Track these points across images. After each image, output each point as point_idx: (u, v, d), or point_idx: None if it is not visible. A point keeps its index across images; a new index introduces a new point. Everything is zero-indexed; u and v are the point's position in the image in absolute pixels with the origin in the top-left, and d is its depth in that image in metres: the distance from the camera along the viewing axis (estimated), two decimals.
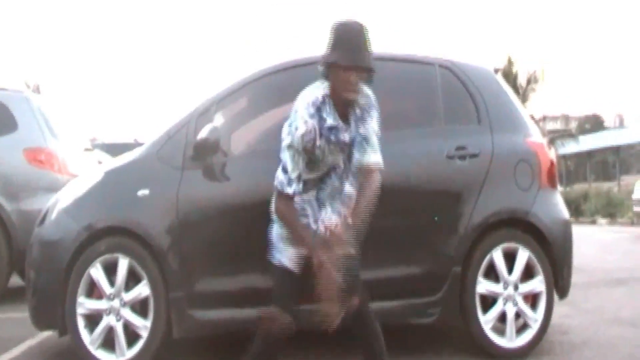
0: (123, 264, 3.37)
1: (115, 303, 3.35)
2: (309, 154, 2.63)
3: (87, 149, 6.75)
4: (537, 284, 3.47)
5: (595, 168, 42.40)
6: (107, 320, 3.34)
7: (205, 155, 3.38)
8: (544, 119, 33.73)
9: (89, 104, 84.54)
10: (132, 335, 3.35)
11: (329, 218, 2.69)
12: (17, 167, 5.65)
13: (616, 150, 35.77)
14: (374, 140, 2.69)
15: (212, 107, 3.57)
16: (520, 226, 3.52)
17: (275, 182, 2.68)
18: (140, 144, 11.24)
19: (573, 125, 58.03)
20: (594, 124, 62.40)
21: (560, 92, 56.88)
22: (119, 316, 3.34)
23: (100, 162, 6.43)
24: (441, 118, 3.66)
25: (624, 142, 34.92)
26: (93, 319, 3.37)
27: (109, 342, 3.36)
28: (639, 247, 10.06)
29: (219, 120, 3.52)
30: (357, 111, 2.68)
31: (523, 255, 3.47)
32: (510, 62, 25.06)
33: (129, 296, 3.36)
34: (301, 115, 2.61)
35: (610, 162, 47.28)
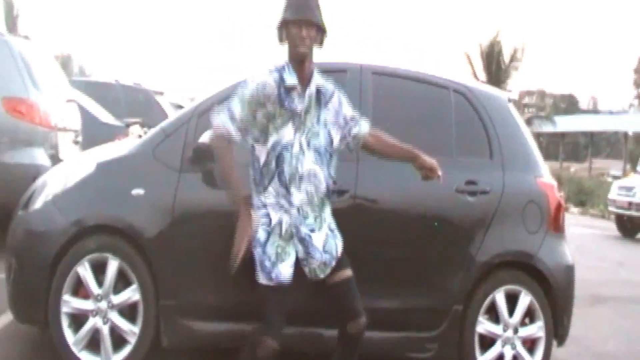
0: (113, 265, 3.19)
1: (103, 305, 3.19)
2: (259, 111, 2.68)
3: (69, 100, 6.38)
4: (537, 329, 3.43)
5: (566, 148, 43.07)
6: (93, 322, 3.18)
7: (205, 160, 3.15)
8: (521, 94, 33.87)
9: (82, 37, 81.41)
10: (118, 340, 3.21)
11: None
12: None
13: (589, 135, 36.34)
14: (356, 113, 2.92)
15: (214, 106, 3.32)
16: (524, 270, 3.45)
17: (217, 120, 2.72)
18: (122, 85, 10.84)
19: (548, 101, 58.50)
20: (569, 103, 63.04)
21: (538, 68, 57.03)
22: (106, 319, 3.19)
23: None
24: (453, 148, 3.49)
25: (598, 129, 35.43)
26: (78, 319, 3.21)
27: (93, 344, 3.21)
28: (614, 250, 10.24)
29: None
30: (313, 88, 2.75)
31: (525, 300, 3.41)
32: (496, 39, 24.81)
33: (117, 299, 3.20)
34: (261, 72, 2.72)
35: (581, 144, 48.20)
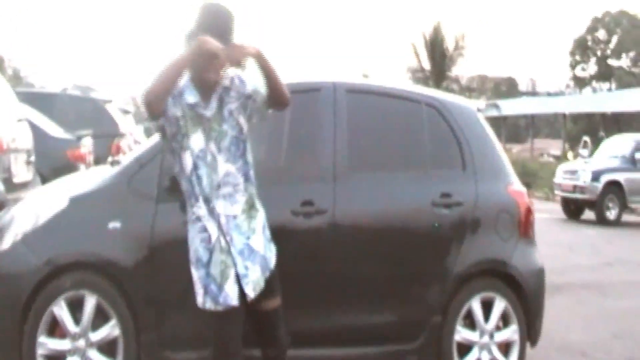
0: (90, 302, 3.12)
1: (81, 343, 3.11)
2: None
3: (19, 120, 6.14)
4: (512, 333, 3.56)
5: (507, 130, 44.34)
6: None
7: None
8: (462, 77, 34.60)
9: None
10: None
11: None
12: None
13: (531, 118, 37.52)
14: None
15: None
16: (498, 276, 3.56)
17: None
18: (69, 95, 10.42)
19: (489, 85, 60.01)
20: (509, 86, 64.87)
21: (478, 53, 58.44)
22: (84, 357, 3.11)
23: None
24: (426, 161, 3.58)
25: (538, 112, 36.60)
26: None
27: None
28: (562, 234, 10.64)
29: None
30: (220, 91, 2.64)
31: (500, 305, 3.53)
32: (437, 29, 25.31)
33: (96, 336, 3.13)
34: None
35: (522, 125, 49.70)
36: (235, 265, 2.60)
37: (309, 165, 3.42)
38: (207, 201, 2.63)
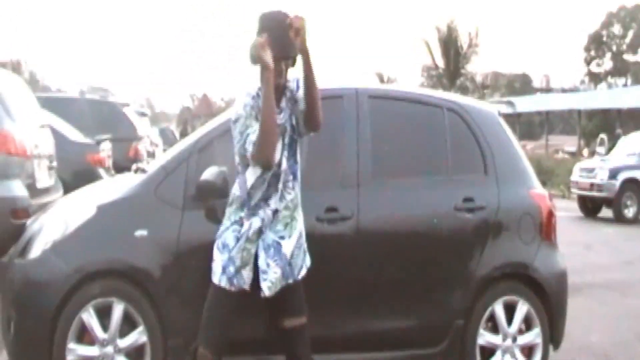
0: (118, 309, 3.17)
1: (109, 349, 3.17)
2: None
3: (42, 126, 6.22)
4: (535, 336, 3.56)
5: (521, 127, 44.14)
6: None
7: (208, 197, 3.15)
8: (476, 74, 34.42)
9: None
10: None
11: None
12: None
13: (545, 114, 37.27)
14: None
15: (214, 141, 3.33)
16: (521, 279, 3.57)
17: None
18: (87, 100, 10.52)
19: (502, 82, 59.58)
20: (523, 82, 64.42)
21: (491, 49, 58.24)
22: None
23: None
24: (449, 166, 3.59)
25: (553, 108, 36.33)
26: None
27: None
28: (579, 233, 10.54)
29: (221, 156, 3.28)
30: (288, 94, 2.79)
31: (523, 308, 3.54)
32: (451, 27, 25.18)
33: (124, 343, 3.18)
34: (241, 100, 2.74)
35: (536, 122, 49.38)
36: (257, 257, 2.71)
37: (333, 171, 3.44)
38: (265, 200, 2.74)
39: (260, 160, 2.66)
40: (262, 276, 2.71)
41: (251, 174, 2.75)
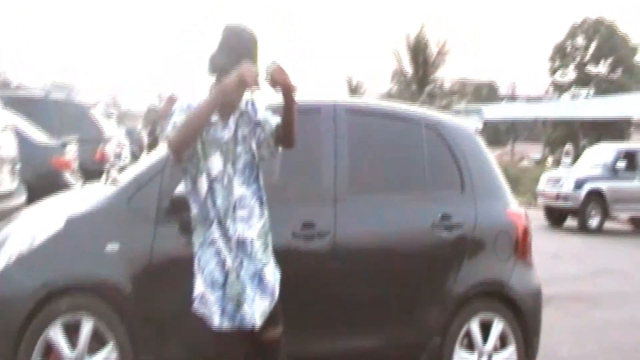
0: (87, 326, 3.05)
1: None
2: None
3: (4, 127, 6.00)
4: (510, 354, 3.56)
5: (488, 134, 44.88)
6: None
7: (182, 210, 3.05)
8: (444, 80, 34.81)
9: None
10: None
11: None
12: None
13: (511, 123, 37.95)
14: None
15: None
16: (497, 297, 3.56)
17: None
18: (53, 100, 10.20)
19: (469, 89, 60.41)
20: (489, 90, 65.48)
21: (459, 57, 59.24)
22: None
23: None
24: (426, 182, 3.57)
25: (518, 117, 37.02)
26: None
27: None
28: (546, 242, 10.68)
29: None
30: (237, 114, 2.65)
31: (498, 326, 3.54)
32: (421, 33, 25.35)
33: None
34: (179, 108, 2.59)
35: (501, 130, 50.24)
36: (244, 290, 2.59)
37: (310, 186, 3.39)
38: (221, 224, 2.60)
39: (172, 145, 2.50)
40: (251, 307, 2.60)
41: (202, 184, 2.61)
